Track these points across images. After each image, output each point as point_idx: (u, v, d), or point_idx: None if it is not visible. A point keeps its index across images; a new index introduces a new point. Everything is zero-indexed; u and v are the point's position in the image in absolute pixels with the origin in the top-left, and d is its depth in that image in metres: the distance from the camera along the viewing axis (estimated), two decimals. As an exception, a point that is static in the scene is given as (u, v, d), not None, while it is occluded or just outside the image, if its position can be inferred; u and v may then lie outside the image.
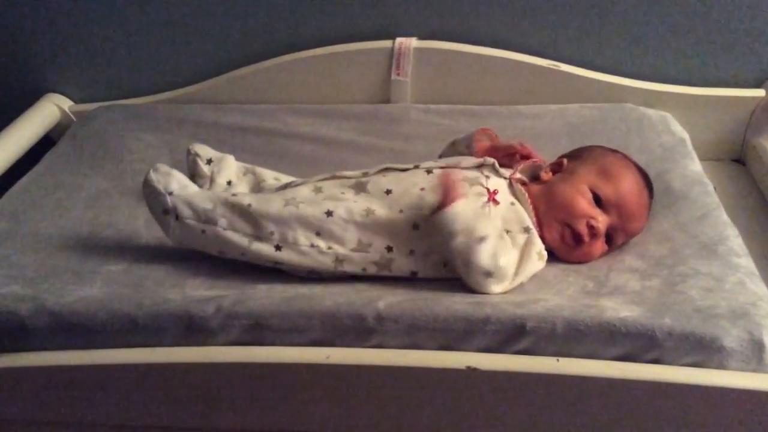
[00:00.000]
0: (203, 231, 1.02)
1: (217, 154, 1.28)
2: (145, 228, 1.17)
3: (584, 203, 1.05)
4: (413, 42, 1.44)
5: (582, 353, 0.86)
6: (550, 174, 1.12)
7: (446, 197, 0.98)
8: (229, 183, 1.24)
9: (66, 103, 1.58)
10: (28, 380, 0.94)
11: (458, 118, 1.42)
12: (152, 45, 1.52)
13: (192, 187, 1.06)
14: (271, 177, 1.26)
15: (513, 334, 0.86)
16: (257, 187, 1.24)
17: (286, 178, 1.24)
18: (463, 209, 0.97)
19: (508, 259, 0.96)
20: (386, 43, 1.44)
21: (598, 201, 1.05)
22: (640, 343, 0.84)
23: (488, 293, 0.95)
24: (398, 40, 1.44)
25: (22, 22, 1.52)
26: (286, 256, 1.00)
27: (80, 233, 1.15)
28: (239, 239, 1.01)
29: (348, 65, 1.47)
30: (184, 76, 1.55)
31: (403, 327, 0.88)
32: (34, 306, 0.93)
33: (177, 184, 1.04)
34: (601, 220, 1.04)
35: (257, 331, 0.90)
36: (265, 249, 1.00)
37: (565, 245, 1.04)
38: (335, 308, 0.90)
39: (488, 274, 0.94)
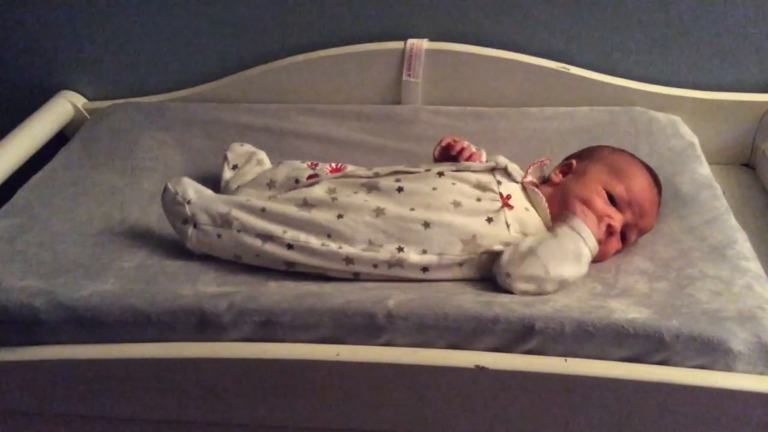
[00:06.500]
0: (219, 235, 1.04)
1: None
2: (157, 224, 1.18)
3: (600, 203, 1.05)
4: (424, 43, 1.44)
5: (590, 354, 0.86)
6: (560, 176, 1.13)
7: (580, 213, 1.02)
8: (235, 167, 1.29)
9: (80, 101, 1.59)
10: (41, 373, 0.96)
11: (468, 120, 1.43)
12: (166, 44, 1.53)
13: (208, 193, 1.09)
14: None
15: (522, 334, 0.87)
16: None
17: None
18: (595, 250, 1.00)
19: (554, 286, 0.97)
20: (398, 45, 1.45)
21: (612, 200, 1.06)
22: (648, 345, 0.85)
23: (515, 291, 0.96)
24: (410, 41, 1.45)
25: (38, 20, 1.53)
26: (298, 255, 1.02)
27: (93, 229, 1.16)
28: (252, 240, 1.03)
29: (359, 66, 1.47)
30: (197, 75, 1.56)
31: (412, 325, 0.89)
32: (49, 300, 0.94)
33: (194, 192, 1.07)
34: (617, 219, 1.05)
35: (268, 327, 0.91)
36: (278, 249, 1.02)
37: None
38: (346, 306, 0.91)
39: (542, 291, 0.96)
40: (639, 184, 1.08)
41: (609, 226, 1.04)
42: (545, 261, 0.96)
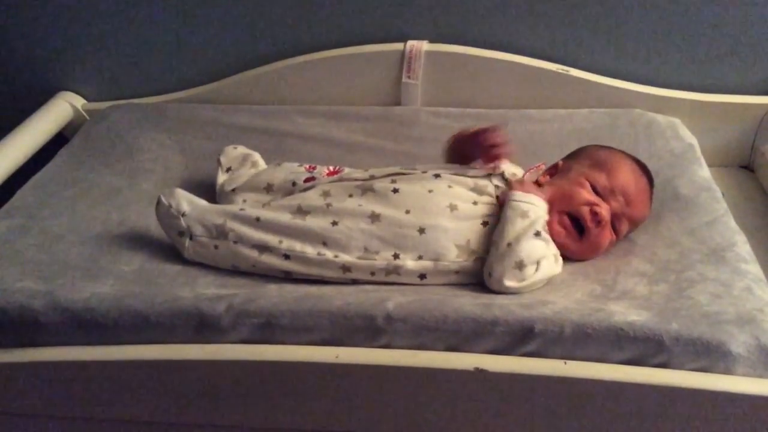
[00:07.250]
0: (216, 246, 1.05)
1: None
2: (156, 226, 1.17)
3: (584, 192, 1.07)
4: (424, 45, 1.44)
5: (589, 356, 0.86)
6: (547, 177, 1.14)
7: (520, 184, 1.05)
8: (228, 170, 1.28)
9: (79, 102, 1.59)
10: (40, 375, 0.95)
11: (468, 122, 1.42)
12: (165, 45, 1.53)
13: (202, 204, 1.09)
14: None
15: (521, 337, 0.87)
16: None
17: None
18: (541, 204, 1.02)
19: (542, 270, 0.98)
20: (397, 46, 1.45)
21: (597, 192, 1.07)
22: (647, 348, 0.85)
23: (502, 286, 0.97)
24: (409, 43, 1.45)
25: (37, 21, 1.53)
26: (295, 265, 1.03)
27: (93, 231, 1.16)
28: (249, 252, 1.04)
29: (359, 67, 1.47)
30: (197, 76, 1.56)
31: (411, 328, 0.89)
32: (48, 301, 0.94)
33: (188, 204, 1.07)
34: (604, 207, 1.05)
35: (267, 329, 0.91)
36: (274, 260, 1.03)
37: (572, 238, 1.05)
38: (345, 308, 0.91)
39: (520, 266, 0.96)
40: (622, 173, 1.09)
41: (596, 214, 1.04)
42: (500, 239, 0.99)
